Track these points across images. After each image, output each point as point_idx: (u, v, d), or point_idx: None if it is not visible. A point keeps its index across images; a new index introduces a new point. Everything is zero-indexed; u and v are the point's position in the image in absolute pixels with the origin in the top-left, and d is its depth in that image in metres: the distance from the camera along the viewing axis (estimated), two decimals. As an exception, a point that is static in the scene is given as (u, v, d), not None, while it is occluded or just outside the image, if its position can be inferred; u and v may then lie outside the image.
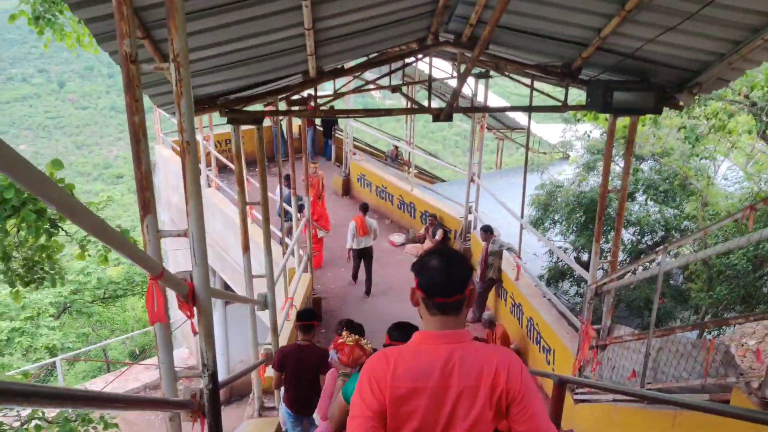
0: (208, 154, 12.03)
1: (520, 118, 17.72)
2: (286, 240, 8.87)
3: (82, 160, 52.15)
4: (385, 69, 9.61)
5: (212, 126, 12.47)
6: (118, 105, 54.53)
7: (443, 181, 17.62)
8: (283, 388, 5.58)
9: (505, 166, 21.77)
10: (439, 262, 2.01)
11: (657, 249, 5.53)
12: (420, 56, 10.97)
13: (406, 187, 12.65)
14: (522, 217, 8.88)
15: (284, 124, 14.54)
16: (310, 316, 5.64)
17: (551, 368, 7.60)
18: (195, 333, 2.92)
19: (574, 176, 10.57)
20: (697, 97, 5.38)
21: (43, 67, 60.50)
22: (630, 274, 5.87)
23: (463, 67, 7.17)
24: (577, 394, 6.53)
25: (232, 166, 10.76)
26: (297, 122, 15.30)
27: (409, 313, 9.03)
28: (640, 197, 10.30)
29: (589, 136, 11.14)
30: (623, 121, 9.56)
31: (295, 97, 6.61)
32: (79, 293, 18.73)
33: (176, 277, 2.69)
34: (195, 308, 2.86)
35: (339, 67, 5.93)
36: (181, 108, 2.60)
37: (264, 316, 6.43)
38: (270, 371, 6.28)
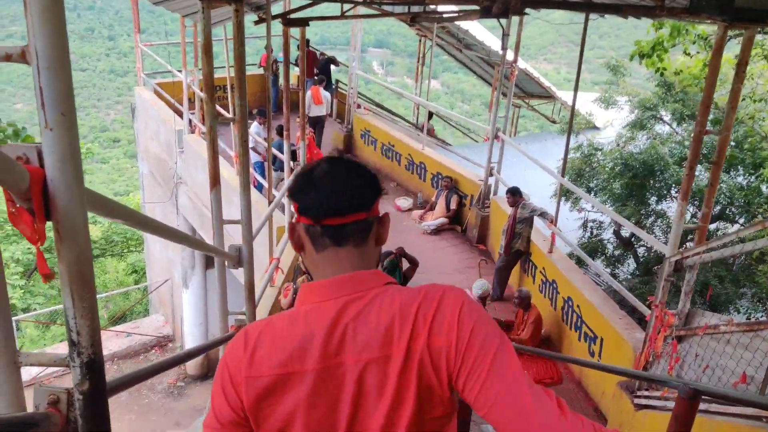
0: (192, 95, 10.45)
1: (547, 84, 16.14)
2: (274, 192, 7.33)
3: (79, 122, 51.19)
4: None
5: (198, 65, 10.85)
6: (118, 68, 54.22)
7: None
8: None
9: (521, 135, 20.25)
10: (326, 168, 1.32)
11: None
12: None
13: (417, 145, 11.06)
14: (563, 174, 7.30)
15: (281, 73, 13.01)
16: None
17: (595, 360, 6.14)
18: (46, 277, 1.39)
19: (618, 138, 9.03)
20: None
21: (42, 26, 59.86)
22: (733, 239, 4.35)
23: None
24: (638, 397, 5.07)
25: (225, 114, 9.25)
26: (295, 72, 13.72)
27: (416, 280, 7.35)
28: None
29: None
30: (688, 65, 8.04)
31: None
32: (53, 251, 17.16)
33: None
34: (51, 223, 1.31)
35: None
36: None
37: (241, 277, 4.95)
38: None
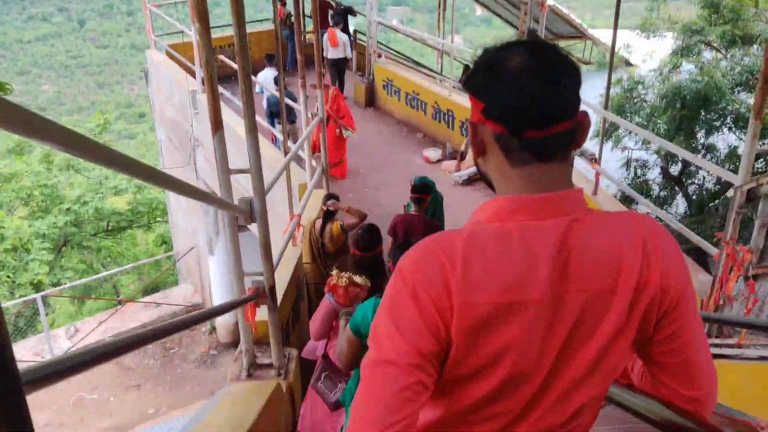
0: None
1: (577, 21, 15.24)
2: (289, 144, 6.85)
3: (104, 99, 51.98)
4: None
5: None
6: (138, 43, 54.18)
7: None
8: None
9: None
10: (526, 60, 1.04)
11: None
12: None
13: (443, 92, 10.43)
14: (606, 108, 6.65)
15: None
16: (424, 189, 5.50)
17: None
18: None
19: (660, 67, 8.30)
20: None
21: (63, 5, 60.29)
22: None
23: None
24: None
25: (231, 64, 8.75)
26: (310, 24, 13.08)
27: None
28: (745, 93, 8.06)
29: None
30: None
31: None
32: (80, 225, 16.89)
33: None
34: None
35: None
36: None
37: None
38: (262, 314, 4.36)
